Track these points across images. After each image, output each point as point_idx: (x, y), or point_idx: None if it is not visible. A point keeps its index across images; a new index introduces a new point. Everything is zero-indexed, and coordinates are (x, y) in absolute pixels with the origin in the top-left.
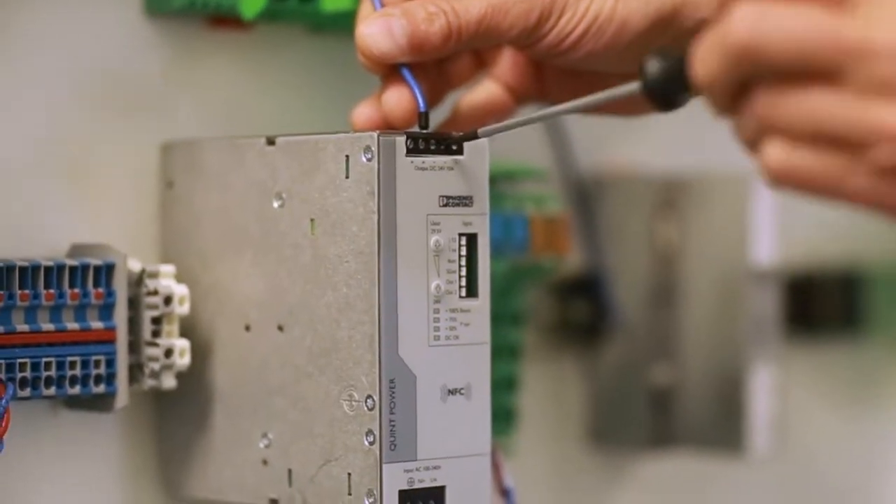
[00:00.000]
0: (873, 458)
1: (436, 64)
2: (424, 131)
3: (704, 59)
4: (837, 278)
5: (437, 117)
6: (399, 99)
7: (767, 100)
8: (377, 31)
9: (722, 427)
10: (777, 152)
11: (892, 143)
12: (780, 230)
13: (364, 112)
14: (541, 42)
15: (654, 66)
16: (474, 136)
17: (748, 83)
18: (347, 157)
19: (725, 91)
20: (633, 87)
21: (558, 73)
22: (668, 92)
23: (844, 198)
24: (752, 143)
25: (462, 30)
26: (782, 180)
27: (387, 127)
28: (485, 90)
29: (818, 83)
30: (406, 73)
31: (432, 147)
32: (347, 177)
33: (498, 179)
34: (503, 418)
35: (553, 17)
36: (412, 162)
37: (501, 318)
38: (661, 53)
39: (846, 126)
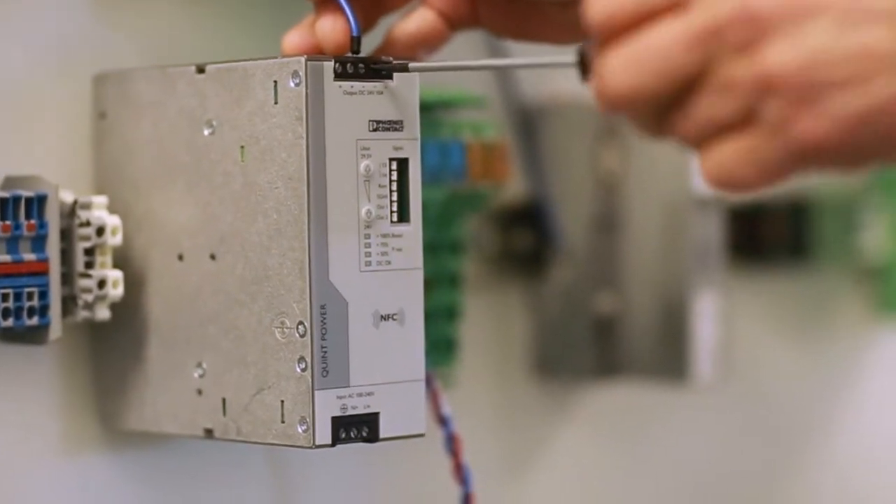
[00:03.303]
0: (819, 386)
1: None
2: (354, 56)
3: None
4: (785, 205)
5: (371, 42)
6: (333, 27)
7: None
8: None
9: (666, 355)
10: (707, 158)
11: (771, 94)
12: None
13: (294, 39)
14: None
15: (591, 44)
16: (404, 69)
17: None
18: (276, 82)
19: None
20: (568, 59)
21: (492, 0)
22: None
23: (779, 173)
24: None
25: None
26: (724, 183)
27: (318, 53)
28: (419, 18)
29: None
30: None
31: (361, 71)
32: (276, 103)
33: (435, 106)
34: (444, 348)
35: None
36: (340, 87)
37: (440, 246)
38: None
39: (733, 103)
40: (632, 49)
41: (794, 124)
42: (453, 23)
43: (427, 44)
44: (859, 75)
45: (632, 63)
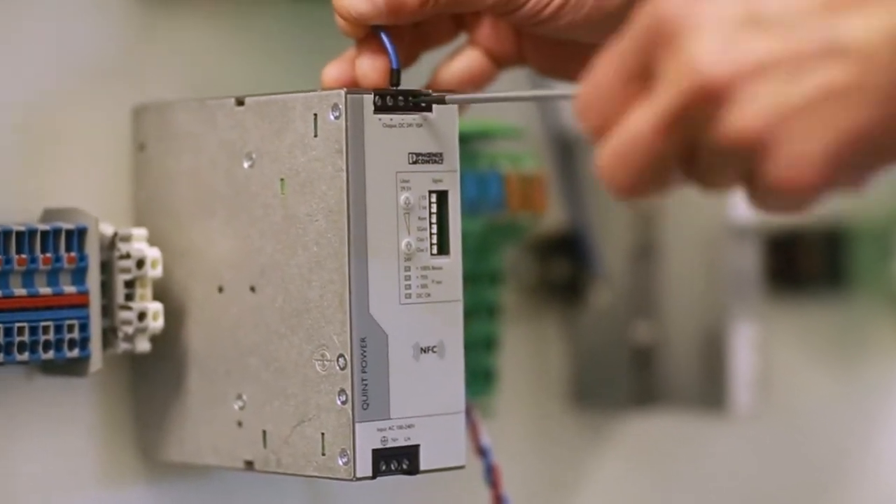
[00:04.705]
0: (857, 414)
1: (413, 25)
2: (393, 88)
3: None
4: (822, 234)
5: (413, 77)
6: (373, 65)
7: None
8: None
9: (704, 385)
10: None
11: (749, 151)
12: None
13: (333, 72)
14: (519, 10)
15: None
16: (441, 101)
17: None
18: (315, 115)
19: None
20: None
21: (538, 40)
22: None
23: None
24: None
25: None
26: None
27: (356, 86)
28: (465, 58)
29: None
30: (383, 35)
31: (401, 104)
32: (316, 135)
33: (473, 137)
34: (482, 379)
35: None
36: (380, 119)
37: (479, 277)
38: None
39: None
40: (617, 142)
41: (775, 174)
42: (499, 61)
43: (474, 83)
44: (826, 114)
45: (620, 159)
